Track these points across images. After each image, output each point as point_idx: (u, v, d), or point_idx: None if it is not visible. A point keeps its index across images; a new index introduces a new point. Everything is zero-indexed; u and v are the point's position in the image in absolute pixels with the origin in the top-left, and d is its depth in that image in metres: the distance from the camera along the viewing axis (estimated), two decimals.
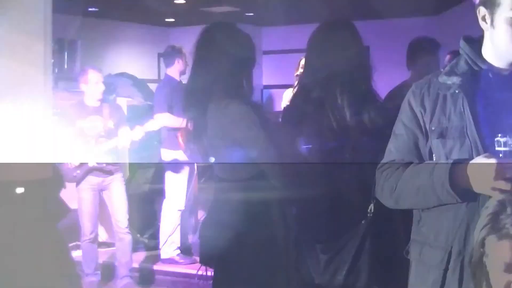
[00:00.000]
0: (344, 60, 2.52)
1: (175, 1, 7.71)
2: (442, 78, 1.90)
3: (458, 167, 1.73)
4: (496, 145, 1.71)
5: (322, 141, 2.50)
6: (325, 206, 2.50)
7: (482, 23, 1.83)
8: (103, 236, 6.11)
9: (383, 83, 2.72)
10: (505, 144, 1.69)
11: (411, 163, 1.87)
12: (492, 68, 1.84)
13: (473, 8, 1.88)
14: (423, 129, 1.88)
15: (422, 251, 1.91)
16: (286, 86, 6.03)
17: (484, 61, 1.85)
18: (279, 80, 5.29)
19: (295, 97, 2.65)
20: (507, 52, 1.79)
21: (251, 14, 8.69)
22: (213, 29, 2.76)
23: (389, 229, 2.43)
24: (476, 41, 1.92)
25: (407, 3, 7.90)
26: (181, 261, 5.62)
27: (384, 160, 1.96)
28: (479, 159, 1.69)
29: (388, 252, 2.45)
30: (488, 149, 1.73)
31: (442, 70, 1.95)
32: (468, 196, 1.74)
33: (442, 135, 1.83)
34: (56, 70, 6.87)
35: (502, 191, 1.63)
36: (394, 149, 1.95)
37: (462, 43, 1.93)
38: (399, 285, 2.46)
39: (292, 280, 2.63)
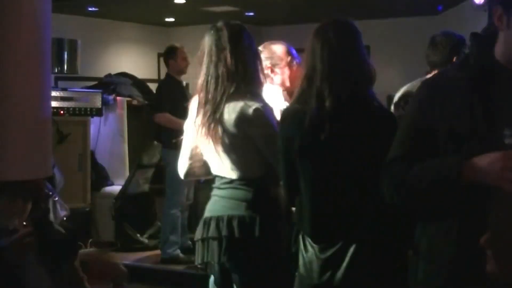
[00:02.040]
0: (344, 59, 2.51)
1: (175, 1, 7.71)
2: (452, 74, 1.89)
3: (467, 161, 1.73)
4: (504, 138, 1.72)
5: (325, 141, 2.50)
6: (327, 206, 2.50)
7: (498, 23, 1.83)
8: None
9: (383, 83, 2.72)
10: None
11: (419, 159, 1.86)
12: (502, 67, 1.84)
13: (478, 7, 1.87)
14: (432, 125, 1.87)
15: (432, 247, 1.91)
16: None
17: (494, 59, 1.85)
18: None
19: (296, 98, 2.65)
20: None
21: (251, 14, 8.69)
22: (222, 27, 2.75)
23: (389, 229, 2.43)
24: (484, 37, 1.91)
25: (407, 3, 7.90)
26: (181, 261, 5.62)
27: (390, 156, 1.95)
28: (489, 154, 1.70)
29: (388, 252, 2.45)
30: (497, 144, 1.73)
31: (451, 66, 1.95)
32: (478, 190, 1.74)
33: (451, 131, 1.83)
34: (56, 70, 6.86)
35: (511, 181, 1.64)
36: (401, 145, 1.94)
37: (470, 40, 1.92)
38: (398, 285, 2.46)
39: (290, 279, 2.63)
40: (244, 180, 2.71)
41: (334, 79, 2.48)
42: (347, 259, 2.42)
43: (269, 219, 2.69)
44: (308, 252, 2.52)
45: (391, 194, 1.94)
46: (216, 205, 2.80)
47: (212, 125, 2.69)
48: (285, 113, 2.62)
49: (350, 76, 2.48)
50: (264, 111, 2.66)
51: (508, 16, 1.79)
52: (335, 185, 2.47)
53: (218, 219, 2.74)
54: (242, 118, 2.64)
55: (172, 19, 9.38)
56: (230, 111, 2.66)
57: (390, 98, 5.85)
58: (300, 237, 2.58)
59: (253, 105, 2.65)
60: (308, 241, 2.52)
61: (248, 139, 2.67)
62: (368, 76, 2.55)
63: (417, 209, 1.99)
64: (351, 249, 2.42)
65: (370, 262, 2.43)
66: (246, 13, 8.61)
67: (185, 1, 7.68)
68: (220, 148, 2.71)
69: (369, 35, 9.45)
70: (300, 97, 2.57)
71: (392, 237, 2.43)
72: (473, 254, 1.78)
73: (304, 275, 2.54)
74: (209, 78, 2.72)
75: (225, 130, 2.67)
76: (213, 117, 2.68)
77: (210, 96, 2.71)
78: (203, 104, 2.75)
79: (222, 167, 2.75)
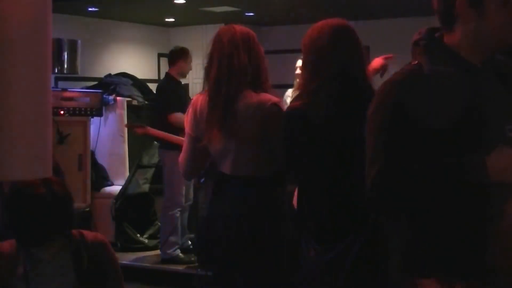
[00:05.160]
0: (342, 59, 2.52)
1: (175, 1, 7.70)
2: (428, 71, 1.86)
3: (488, 160, 1.72)
4: (509, 132, 1.73)
5: (327, 141, 2.50)
6: (329, 207, 2.50)
7: (464, 17, 1.83)
8: None
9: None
10: None
11: (409, 163, 1.83)
12: (468, 60, 1.84)
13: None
14: (413, 125, 1.83)
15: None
16: (287, 86, 6.04)
17: (457, 54, 1.85)
18: (279, 80, 5.33)
19: (296, 99, 2.65)
20: (502, 35, 1.79)
21: (251, 14, 8.69)
22: (234, 27, 2.76)
23: (391, 232, 2.43)
24: (438, 32, 1.91)
25: (407, 3, 7.90)
26: (181, 261, 5.62)
27: (376, 161, 1.90)
28: (506, 150, 1.70)
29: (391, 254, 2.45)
30: (501, 140, 1.73)
31: (418, 62, 1.92)
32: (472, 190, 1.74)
33: (436, 129, 1.80)
34: (56, 70, 6.87)
35: None
36: (385, 150, 1.89)
37: (429, 35, 1.91)
38: None
39: (293, 281, 2.63)
40: (253, 178, 2.68)
41: (334, 78, 2.49)
42: (349, 260, 2.42)
43: (273, 220, 2.68)
44: (310, 253, 2.52)
45: (392, 209, 1.90)
46: (221, 203, 2.75)
47: (227, 119, 2.63)
48: (289, 113, 2.62)
49: (349, 75, 2.50)
50: (281, 107, 2.67)
51: (476, 8, 1.79)
52: (340, 184, 2.47)
53: (224, 218, 2.70)
54: (260, 112, 2.62)
55: (172, 19, 9.37)
56: (247, 105, 2.62)
57: None
58: (303, 238, 2.58)
59: (271, 100, 2.65)
60: (311, 242, 2.52)
61: (262, 135, 2.63)
62: (366, 74, 2.58)
63: (419, 216, 1.94)
64: (354, 251, 2.42)
65: (372, 263, 2.42)
66: (246, 13, 8.60)
67: (185, 1, 7.68)
68: (232, 144, 2.65)
69: (369, 36, 9.45)
70: (302, 97, 2.57)
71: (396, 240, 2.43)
72: (471, 248, 1.79)
73: (306, 277, 2.54)
74: (222, 71, 2.66)
75: (240, 124, 2.62)
76: (228, 111, 2.62)
77: (223, 89, 2.64)
78: (215, 98, 2.67)
79: (232, 164, 2.69)
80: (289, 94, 5.54)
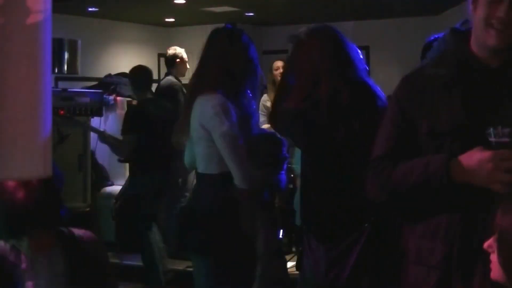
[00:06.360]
0: (321, 63, 2.54)
1: (175, 1, 7.70)
2: (430, 71, 1.88)
3: (453, 161, 1.72)
4: (488, 137, 1.71)
5: (322, 141, 2.50)
6: (330, 206, 2.50)
7: (471, 12, 1.83)
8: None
9: (382, 84, 2.72)
10: (496, 135, 1.69)
11: (402, 158, 1.84)
12: (478, 62, 1.82)
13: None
14: (411, 124, 1.85)
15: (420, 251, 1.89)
16: None
17: (470, 54, 1.84)
18: None
19: (290, 100, 2.65)
20: (483, 34, 1.77)
21: (251, 14, 8.69)
22: (218, 29, 2.83)
23: (391, 232, 2.43)
24: (461, 32, 1.90)
25: (407, 3, 7.90)
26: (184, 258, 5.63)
27: (374, 154, 1.92)
28: (474, 152, 1.69)
29: (391, 254, 2.45)
30: (481, 143, 1.71)
31: (428, 62, 1.92)
32: (466, 190, 1.73)
33: (431, 129, 1.81)
34: (56, 70, 6.86)
35: (501, 182, 1.63)
36: (383, 144, 1.91)
37: (448, 35, 1.91)
38: None
39: (293, 279, 2.64)
40: (206, 175, 2.78)
41: (329, 79, 2.49)
42: (352, 259, 2.42)
43: (221, 217, 2.73)
44: (313, 251, 2.52)
45: (375, 194, 1.92)
46: (192, 196, 2.98)
47: (182, 120, 2.84)
48: (281, 114, 2.62)
49: (345, 75, 2.51)
50: (223, 110, 2.68)
51: (475, 2, 1.79)
52: (340, 184, 2.47)
53: (183, 209, 2.96)
54: (202, 114, 2.72)
55: (172, 19, 9.37)
56: (195, 107, 2.75)
57: (389, 98, 5.85)
58: (305, 237, 2.58)
59: (213, 101, 2.68)
60: (314, 240, 2.53)
61: (206, 135, 2.73)
62: (360, 74, 2.60)
63: (402, 209, 1.96)
64: (357, 249, 2.42)
65: (374, 262, 2.42)
66: (246, 13, 8.60)
67: (185, 1, 7.68)
68: (190, 142, 2.85)
69: (369, 35, 9.45)
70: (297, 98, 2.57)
71: (396, 240, 2.43)
72: (463, 252, 1.78)
73: (309, 275, 2.55)
74: (196, 72, 2.86)
75: (191, 124, 2.78)
76: (185, 112, 2.84)
77: (190, 89, 2.88)
78: (186, 97, 2.96)
79: (196, 160, 2.87)
80: (265, 99, 5.58)
